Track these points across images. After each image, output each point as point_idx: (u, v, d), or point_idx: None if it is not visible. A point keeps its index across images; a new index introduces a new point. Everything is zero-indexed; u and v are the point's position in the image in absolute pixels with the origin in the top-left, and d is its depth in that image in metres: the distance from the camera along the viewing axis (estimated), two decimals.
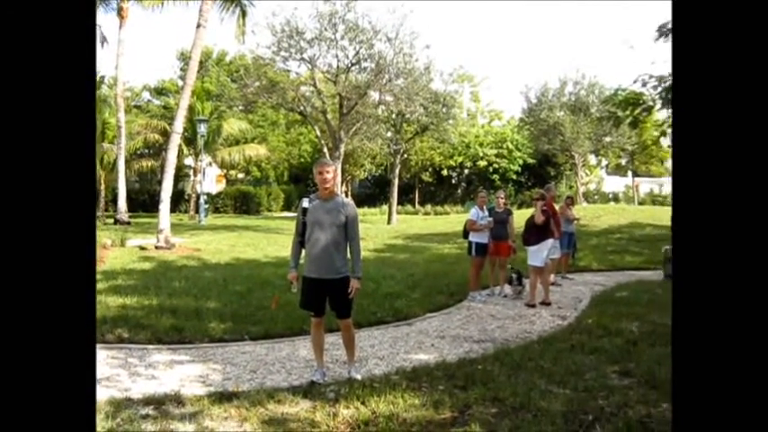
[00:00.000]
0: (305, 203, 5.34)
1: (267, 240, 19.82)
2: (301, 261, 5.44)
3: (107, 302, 8.22)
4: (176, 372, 5.63)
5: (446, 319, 8.25)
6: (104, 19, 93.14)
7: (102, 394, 4.84)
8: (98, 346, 6.44)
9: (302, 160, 43.48)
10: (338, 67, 23.74)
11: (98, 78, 37.32)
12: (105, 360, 5.95)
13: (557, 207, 11.18)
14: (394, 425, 4.14)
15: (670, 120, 12.90)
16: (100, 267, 12.43)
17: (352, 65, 23.82)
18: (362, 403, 4.56)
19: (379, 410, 4.41)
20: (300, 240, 5.36)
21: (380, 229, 26.98)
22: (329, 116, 25.27)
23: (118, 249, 16.17)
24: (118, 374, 5.50)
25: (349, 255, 5.35)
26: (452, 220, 29.37)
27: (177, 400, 4.68)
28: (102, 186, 32.04)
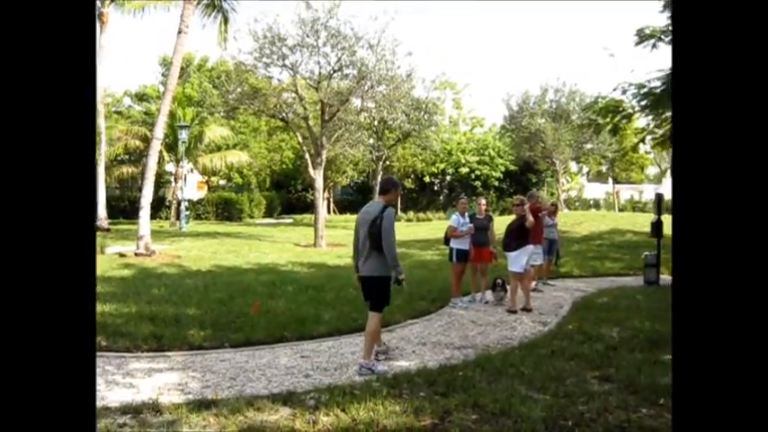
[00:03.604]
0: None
1: (249, 247, 19.68)
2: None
3: None
4: (154, 380, 5.56)
5: (427, 326, 8.24)
6: None
7: None
8: None
9: (284, 167, 43.31)
10: (320, 73, 23.68)
11: None
12: None
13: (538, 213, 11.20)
14: None
15: (650, 126, 13.04)
16: None
17: (335, 71, 23.76)
18: (342, 410, 4.54)
19: (360, 417, 4.39)
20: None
21: None
22: (311, 123, 25.19)
23: (97, 256, 15.98)
24: None
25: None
26: (434, 226, 29.39)
27: (155, 408, 4.63)
28: None
